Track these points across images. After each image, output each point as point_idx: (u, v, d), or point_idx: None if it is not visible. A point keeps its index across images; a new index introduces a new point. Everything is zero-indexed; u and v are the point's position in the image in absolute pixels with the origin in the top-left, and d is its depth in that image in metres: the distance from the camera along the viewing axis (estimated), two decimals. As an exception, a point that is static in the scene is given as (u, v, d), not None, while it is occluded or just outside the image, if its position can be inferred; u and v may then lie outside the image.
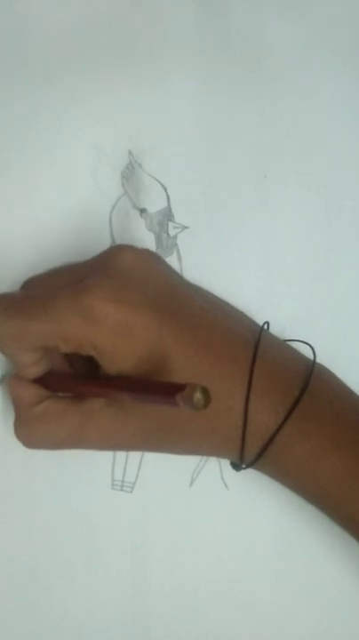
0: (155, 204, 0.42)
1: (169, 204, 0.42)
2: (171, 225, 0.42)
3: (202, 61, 0.42)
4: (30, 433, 0.37)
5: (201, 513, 0.41)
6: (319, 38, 0.43)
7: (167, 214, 0.42)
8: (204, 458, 0.41)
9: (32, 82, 0.41)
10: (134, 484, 0.41)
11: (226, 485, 0.41)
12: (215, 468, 0.41)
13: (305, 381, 0.36)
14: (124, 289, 0.35)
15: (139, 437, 0.36)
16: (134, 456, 0.41)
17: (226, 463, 0.41)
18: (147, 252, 0.38)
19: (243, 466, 0.37)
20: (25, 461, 0.40)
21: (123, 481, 0.41)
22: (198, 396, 0.30)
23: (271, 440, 0.35)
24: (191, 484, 0.41)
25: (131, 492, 0.41)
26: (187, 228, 0.42)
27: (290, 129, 0.43)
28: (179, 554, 0.41)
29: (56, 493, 0.40)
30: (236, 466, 0.38)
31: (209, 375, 0.35)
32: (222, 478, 0.41)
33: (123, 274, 0.36)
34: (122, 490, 0.41)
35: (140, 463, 0.41)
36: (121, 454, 0.41)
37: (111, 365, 0.35)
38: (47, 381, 0.37)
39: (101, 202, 0.41)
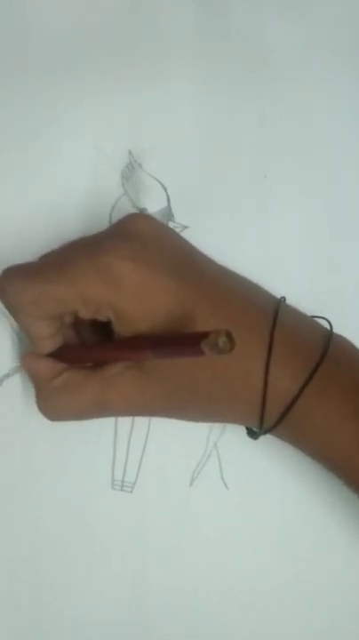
0: (155, 204, 0.42)
1: (169, 204, 0.42)
2: (171, 225, 0.42)
3: (202, 61, 0.42)
4: (53, 406, 0.37)
5: (201, 513, 0.41)
6: (319, 38, 0.43)
7: (167, 214, 0.42)
8: (204, 458, 0.41)
9: (32, 82, 0.41)
10: (134, 483, 0.41)
11: (226, 485, 0.41)
12: (215, 468, 0.41)
13: (324, 347, 0.36)
14: (143, 250, 0.35)
15: (160, 400, 0.36)
16: (134, 456, 0.41)
17: (226, 463, 0.41)
18: (161, 222, 0.38)
19: (263, 431, 0.37)
20: (25, 461, 0.40)
21: (123, 481, 0.41)
22: (223, 339, 0.30)
23: (293, 403, 0.35)
24: (191, 483, 0.41)
25: (131, 491, 0.41)
26: (187, 227, 0.42)
27: (290, 129, 0.43)
28: (179, 554, 0.41)
29: (56, 493, 0.40)
30: (253, 434, 0.38)
31: None
32: (222, 478, 0.41)
33: (140, 237, 0.36)
34: (122, 490, 0.41)
35: (140, 463, 0.41)
36: (121, 454, 0.41)
37: (129, 328, 0.35)
38: (61, 356, 0.37)
39: (101, 202, 0.41)
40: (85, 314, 0.35)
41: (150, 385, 0.35)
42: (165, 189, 0.42)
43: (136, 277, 0.34)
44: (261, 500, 0.41)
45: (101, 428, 0.41)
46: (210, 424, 0.41)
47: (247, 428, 0.38)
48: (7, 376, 0.40)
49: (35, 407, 0.40)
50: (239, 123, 0.43)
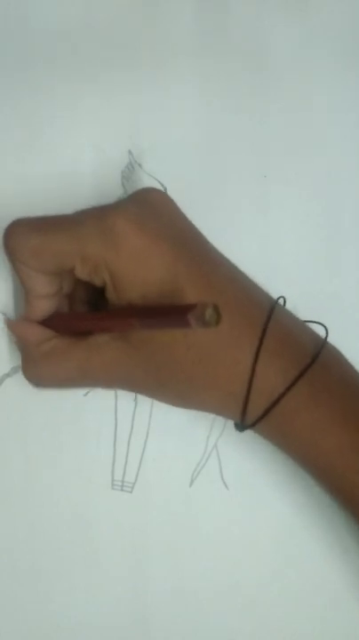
0: (155, 204, 0.41)
1: (169, 204, 0.42)
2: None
3: (202, 61, 0.42)
4: (38, 371, 0.37)
5: (201, 513, 0.41)
6: (319, 38, 0.43)
7: (167, 214, 0.42)
8: (204, 458, 0.41)
9: (32, 82, 0.41)
10: (134, 483, 0.41)
11: (226, 485, 0.41)
12: (215, 468, 0.41)
13: (317, 350, 0.36)
14: (149, 218, 0.35)
15: (142, 375, 0.36)
16: (134, 456, 0.41)
17: (226, 463, 0.41)
18: (175, 202, 0.38)
19: (244, 425, 0.37)
20: (25, 461, 0.40)
21: (123, 481, 0.41)
22: (210, 312, 0.30)
23: (279, 399, 0.35)
24: (191, 484, 0.41)
25: (131, 492, 0.41)
26: (187, 227, 0.42)
27: (290, 129, 0.43)
28: (179, 554, 0.41)
29: (56, 493, 0.40)
30: (240, 426, 0.37)
31: None
32: (222, 478, 0.41)
33: (151, 207, 0.36)
34: (122, 490, 0.41)
35: (140, 463, 0.41)
36: (121, 454, 0.41)
37: (121, 293, 0.35)
38: (51, 324, 0.37)
39: (101, 202, 0.41)
40: (82, 273, 0.35)
41: (134, 358, 0.35)
42: (165, 189, 0.42)
43: (136, 242, 0.34)
44: (261, 500, 0.41)
45: (101, 427, 0.41)
46: (210, 424, 0.41)
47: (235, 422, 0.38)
48: (7, 376, 0.40)
49: (34, 407, 0.40)
50: (239, 123, 0.43)
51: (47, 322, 0.37)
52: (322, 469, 0.37)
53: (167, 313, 0.33)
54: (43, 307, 0.37)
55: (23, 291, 0.37)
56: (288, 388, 0.35)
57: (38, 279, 0.36)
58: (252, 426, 0.36)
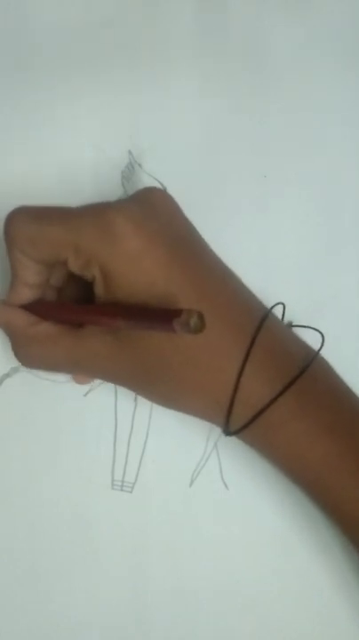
0: (155, 204, 0.41)
1: (169, 204, 0.42)
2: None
3: (202, 61, 0.43)
4: (28, 352, 0.37)
5: (201, 513, 0.41)
6: (319, 38, 0.43)
7: (167, 214, 0.42)
8: (204, 458, 0.41)
9: (32, 82, 0.41)
10: (134, 483, 0.41)
11: (226, 485, 0.41)
12: (215, 468, 0.41)
13: (306, 362, 0.36)
14: (148, 218, 0.35)
15: (127, 371, 0.36)
16: (134, 456, 0.41)
17: (226, 463, 0.41)
18: (177, 203, 0.38)
19: (229, 432, 0.37)
20: (25, 461, 0.40)
21: (123, 481, 0.41)
22: (195, 319, 0.30)
23: (262, 411, 0.35)
24: (191, 484, 0.41)
25: (131, 492, 0.41)
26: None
27: (290, 129, 0.43)
28: (179, 554, 0.41)
29: (56, 493, 0.40)
30: (227, 431, 0.37)
31: (207, 328, 0.33)
32: (222, 478, 0.41)
33: (151, 206, 0.36)
34: (122, 490, 0.41)
35: (140, 463, 0.41)
36: (121, 454, 0.41)
37: (110, 290, 0.35)
38: (36, 311, 0.37)
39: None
40: (74, 265, 0.35)
41: (121, 353, 0.35)
42: (165, 189, 0.42)
43: (133, 242, 0.34)
44: (261, 500, 0.41)
45: (101, 427, 0.41)
46: (210, 424, 0.41)
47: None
48: (7, 376, 0.40)
49: (34, 408, 0.40)
50: (239, 123, 0.43)
51: (29, 308, 0.37)
52: (309, 481, 0.37)
53: (153, 316, 0.33)
54: (27, 295, 0.37)
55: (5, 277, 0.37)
56: (272, 400, 0.35)
57: (30, 268, 0.36)
58: (237, 433, 0.36)
